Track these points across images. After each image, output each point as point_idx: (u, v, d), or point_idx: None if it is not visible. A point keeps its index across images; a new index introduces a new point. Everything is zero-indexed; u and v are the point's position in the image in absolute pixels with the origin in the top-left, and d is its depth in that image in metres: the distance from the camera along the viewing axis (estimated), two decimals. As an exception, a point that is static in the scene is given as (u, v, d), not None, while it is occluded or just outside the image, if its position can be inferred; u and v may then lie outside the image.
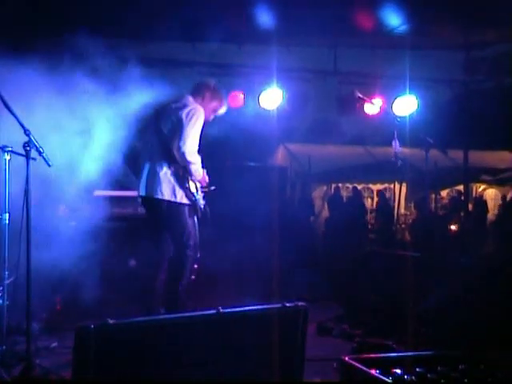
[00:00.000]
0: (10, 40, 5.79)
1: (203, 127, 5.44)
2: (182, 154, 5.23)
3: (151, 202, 5.43)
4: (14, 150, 4.52)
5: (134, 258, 6.64)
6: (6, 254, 4.52)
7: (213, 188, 5.77)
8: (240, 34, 8.52)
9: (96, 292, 5.99)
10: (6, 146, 4.53)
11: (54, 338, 5.27)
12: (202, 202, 5.57)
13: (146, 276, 5.75)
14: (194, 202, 5.44)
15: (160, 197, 5.34)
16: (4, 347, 4.50)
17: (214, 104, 5.65)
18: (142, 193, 5.48)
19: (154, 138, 5.48)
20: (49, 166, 4.48)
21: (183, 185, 5.37)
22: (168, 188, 5.34)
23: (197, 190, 5.51)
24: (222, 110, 5.74)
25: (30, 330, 4.40)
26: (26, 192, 4.35)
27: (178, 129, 5.30)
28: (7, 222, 4.56)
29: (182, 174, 5.35)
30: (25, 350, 4.35)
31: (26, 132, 4.36)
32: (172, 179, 5.36)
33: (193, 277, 5.49)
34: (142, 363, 3.23)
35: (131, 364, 3.21)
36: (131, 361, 3.21)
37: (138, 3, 7.16)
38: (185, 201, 5.40)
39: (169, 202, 5.34)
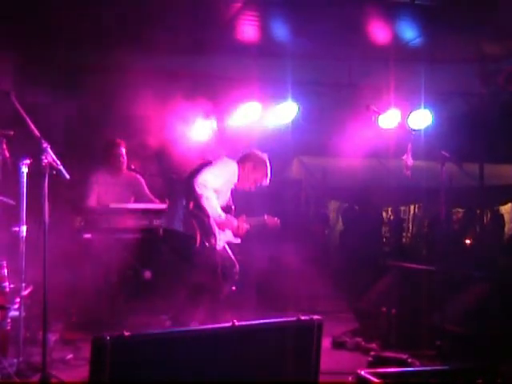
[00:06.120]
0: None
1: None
2: (192, 185, 5.35)
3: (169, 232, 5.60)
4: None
5: (148, 270, 6.65)
6: (23, 266, 4.55)
7: (237, 241, 5.89)
8: (254, 47, 8.53)
9: (111, 304, 6.01)
10: (24, 159, 4.57)
11: (69, 350, 5.29)
12: (220, 244, 5.66)
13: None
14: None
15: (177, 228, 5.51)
16: (20, 358, 4.52)
17: (255, 176, 5.82)
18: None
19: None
20: (66, 178, 4.51)
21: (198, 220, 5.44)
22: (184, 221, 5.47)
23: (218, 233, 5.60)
24: (264, 183, 5.92)
25: (45, 342, 4.42)
26: (43, 204, 4.38)
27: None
28: (24, 234, 4.60)
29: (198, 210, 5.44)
30: (40, 362, 4.37)
31: (44, 145, 4.39)
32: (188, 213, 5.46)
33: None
34: (158, 376, 3.23)
35: (147, 376, 3.22)
36: (147, 373, 3.21)
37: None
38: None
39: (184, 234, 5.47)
